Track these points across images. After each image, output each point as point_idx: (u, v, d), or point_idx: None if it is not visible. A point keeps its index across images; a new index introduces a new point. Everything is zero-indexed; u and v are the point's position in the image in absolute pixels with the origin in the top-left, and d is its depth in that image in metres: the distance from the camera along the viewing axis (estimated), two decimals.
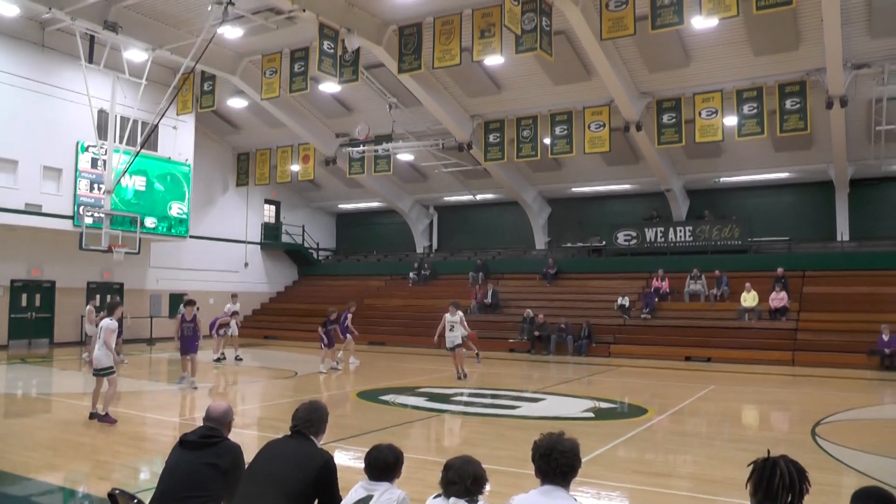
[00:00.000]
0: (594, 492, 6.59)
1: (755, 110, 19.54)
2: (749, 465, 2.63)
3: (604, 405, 12.44)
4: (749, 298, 21.31)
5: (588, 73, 20.81)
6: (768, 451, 2.62)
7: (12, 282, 22.28)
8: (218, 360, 18.20)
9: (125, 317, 17.01)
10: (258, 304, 30.97)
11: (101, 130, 19.65)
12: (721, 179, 26.09)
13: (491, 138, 23.46)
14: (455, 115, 23.56)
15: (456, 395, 13.43)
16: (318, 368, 17.07)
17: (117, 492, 4.14)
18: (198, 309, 14.15)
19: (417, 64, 18.67)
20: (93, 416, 9.87)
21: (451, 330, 15.23)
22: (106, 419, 9.63)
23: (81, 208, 21.01)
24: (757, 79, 19.70)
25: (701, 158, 24.71)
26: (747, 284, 21.49)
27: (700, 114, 20.20)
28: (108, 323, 9.79)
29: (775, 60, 19.14)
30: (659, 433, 10.19)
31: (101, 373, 9.85)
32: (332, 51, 18.26)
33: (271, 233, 32.62)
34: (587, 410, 11.84)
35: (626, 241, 26.55)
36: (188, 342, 13.61)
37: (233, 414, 4.58)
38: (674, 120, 20.73)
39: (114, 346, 9.92)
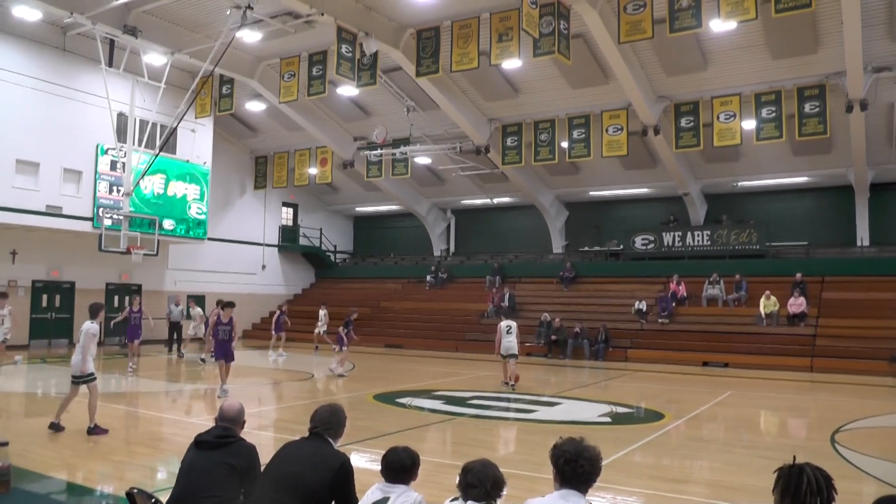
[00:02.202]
0: (610, 497, 6.56)
1: (773, 114, 19.37)
2: (775, 471, 2.60)
3: (620, 410, 12.39)
4: (768, 304, 21.13)
5: (606, 76, 20.75)
6: (794, 458, 2.59)
7: (33, 282, 22.56)
8: (203, 359, 18.32)
9: (147, 318, 17.15)
10: (275, 307, 31.04)
11: (121, 133, 19.84)
12: (739, 184, 25.89)
13: (508, 142, 23.44)
14: (472, 118, 23.58)
15: (473, 398, 13.42)
16: (329, 369, 17.19)
17: (135, 491, 4.16)
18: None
19: (435, 67, 18.69)
20: (54, 426, 9.20)
21: (507, 333, 14.88)
22: (97, 431, 9.15)
23: (101, 210, 21.19)
24: (775, 82, 19.54)
25: (719, 162, 24.55)
26: (767, 292, 21.30)
27: (718, 117, 20.07)
28: (90, 326, 9.24)
29: (794, 64, 18.99)
30: (675, 439, 10.13)
31: (80, 380, 9.25)
32: (350, 54, 18.34)
33: (289, 235, 32.77)
34: (604, 415, 11.79)
35: (643, 245, 26.43)
36: (223, 346, 12.97)
37: (245, 413, 4.61)
38: (691, 124, 20.60)
39: (92, 352, 9.31)
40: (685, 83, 20.67)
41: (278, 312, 22.97)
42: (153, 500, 4.10)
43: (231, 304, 13.30)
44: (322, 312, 23.42)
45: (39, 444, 8.55)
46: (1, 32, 19.72)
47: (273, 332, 22.85)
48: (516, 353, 14.87)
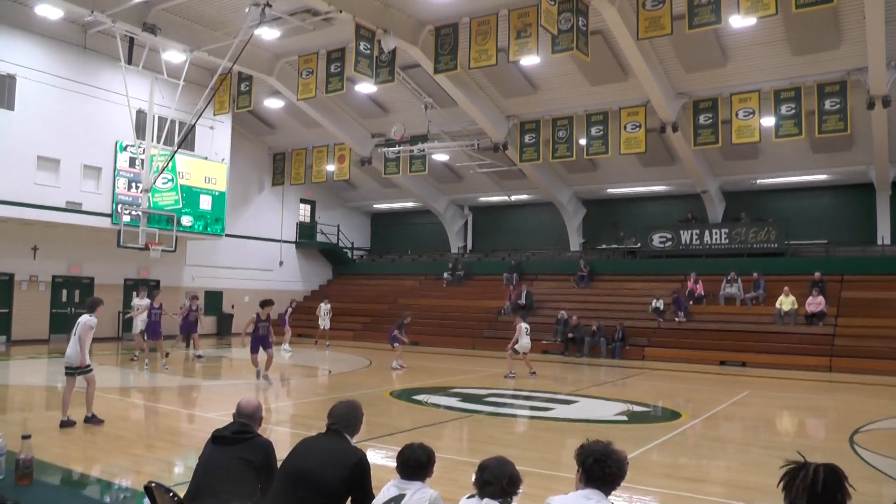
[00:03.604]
0: (627, 496, 6.53)
1: (793, 111, 19.18)
2: (781, 467, 2.57)
3: (637, 408, 12.33)
4: (787, 302, 20.95)
5: (624, 73, 20.64)
6: (803, 457, 2.56)
7: (53, 278, 22.82)
8: (199, 356, 18.37)
9: (165, 312, 17.31)
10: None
11: (140, 130, 20.01)
12: (758, 181, 25.67)
13: (526, 139, 23.40)
14: (491, 115, 23.55)
15: (489, 395, 13.42)
16: (392, 366, 17.52)
17: (153, 485, 4.21)
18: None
19: (453, 64, 18.67)
20: (64, 423, 9.16)
21: (526, 334, 16.57)
22: (93, 420, 9.26)
23: (120, 206, 21.45)
24: (795, 79, 19.35)
25: (737, 160, 24.36)
26: (786, 288, 21.12)
27: (737, 114, 19.92)
28: (88, 319, 9.30)
29: (815, 60, 18.79)
30: (692, 438, 10.08)
31: (77, 371, 9.27)
32: (368, 51, 18.36)
33: (306, 232, 32.92)
34: (620, 413, 11.75)
35: (661, 242, 26.29)
36: (260, 341, 13.87)
37: (262, 410, 4.64)
38: (710, 120, 20.45)
39: (88, 344, 9.34)
40: (704, 80, 20.52)
41: (289, 309, 23.07)
42: (171, 494, 4.13)
43: (270, 302, 14.30)
44: (326, 307, 23.47)
45: (59, 438, 8.65)
46: (24, 31, 19.96)
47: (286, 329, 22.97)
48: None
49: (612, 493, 3.18)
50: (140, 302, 17.96)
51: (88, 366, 9.30)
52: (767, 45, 18.72)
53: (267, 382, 13.71)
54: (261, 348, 13.92)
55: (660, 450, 8.94)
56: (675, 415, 11.86)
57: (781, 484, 2.53)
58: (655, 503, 6.64)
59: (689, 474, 7.89)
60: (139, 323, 17.58)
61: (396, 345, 17.92)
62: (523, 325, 16.64)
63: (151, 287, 24.54)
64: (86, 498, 6.49)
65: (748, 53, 19.21)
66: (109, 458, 8.06)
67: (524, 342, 16.48)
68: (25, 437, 6.14)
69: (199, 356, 18.12)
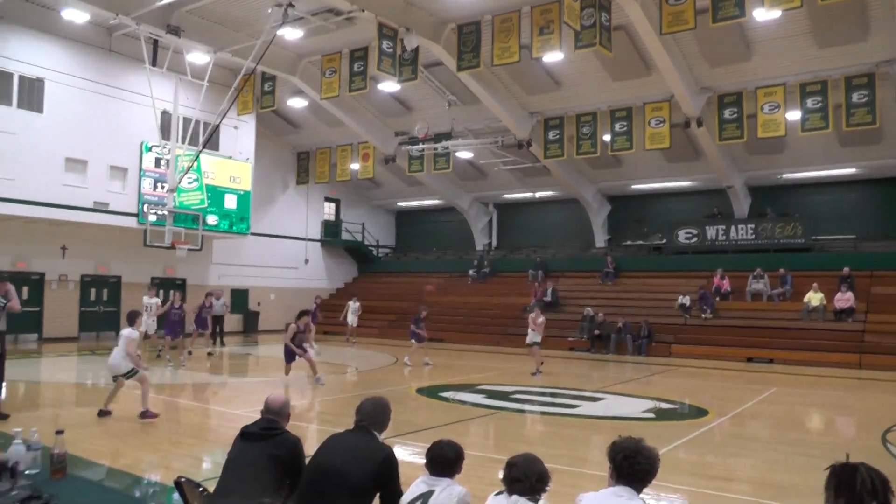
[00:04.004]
0: (654, 493, 6.49)
1: (819, 104, 18.89)
2: (826, 468, 2.54)
3: (664, 406, 12.25)
4: (815, 298, 20.67)
5: (648, 68, 20.49)
6: (847, 456, 2.53)
7: (82, 277, 23.18)
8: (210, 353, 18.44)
9: (188, 313, 17.46)
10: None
11: (165, 131, 20.23)
12: (783, 176, 25.34)
13: (550, 135, 23.31)
14: (514, 112, 23.50)
15: (515, 392, 13.40)
16: (424, 362, 17.75)
17: (183, 480, 4.25)
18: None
19: (476, 62, 18.63)
20: (102, 412, 9.82)
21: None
22: (147, 415, 9.66)
23: (145, 206, 21.70)
24: (821, 72, 19.06)
25: (763, 154, 24.06)
26: (814, 284, 20.83)
27: (762, 108, 19.66)
28: (130, 333, 9.78)
29: (841, 52, 18.49)
30: (719, 436, 10.00)
31: (124, 377, 9.82)
32: (391, 50, 18.39)
33: (331, 230, 33.12)
34: (647, 411, 11.67)
35: (686, 239, 26.06)
36: (292, 356, 14.01)
37: (290, 406, 4.68)
38: (735, 115, 20.21)
39: (134, 354, 9.81)
40: (728, 74, 20.30)
41: (315, 306, 23.12)
42: (200, 489, 4.16)
43: (306, 313, 15.07)
44: (355, 305, 23.58)
45: (90, 433, 8.79)
46: (51, 35, 20.29)
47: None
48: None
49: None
50: (150, 300, 18.04)
51: (131, 369, 9.75)
52: (792, 39, 18.46)
53: (319, 383, 13.78)
54: (296, 357, 14.00)
55: (687, 448, 8.87)
56: (701, 412, 11.75)
57: (831, 484, 2.50)
58: (683, 501, 6.60)
59: (717, 472, 7.82)
60: (150, 322, 17.53)
61: (413, 341, 18.03)
62: (543, 318, 16.70)
63: (177, 285, 24.94)
64: (117, 492, 6.59)
65: (773, 47, 18.96)
66: (138, 454, 8.17)
67: (531, 334, 16.32)
68: (59, 433, 6.26)
69: (189, 353, 17.81)
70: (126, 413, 10.02)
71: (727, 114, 20.36)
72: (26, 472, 3.87)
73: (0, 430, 8.18)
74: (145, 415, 9.63)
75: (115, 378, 9.89)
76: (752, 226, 24.95)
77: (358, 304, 23.98)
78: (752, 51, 19.27)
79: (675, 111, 21.09)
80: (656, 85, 20.84)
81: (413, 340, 18.19)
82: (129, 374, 9.75)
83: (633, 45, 19.59)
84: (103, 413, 9.78)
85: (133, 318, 10.08)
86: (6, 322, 9.63)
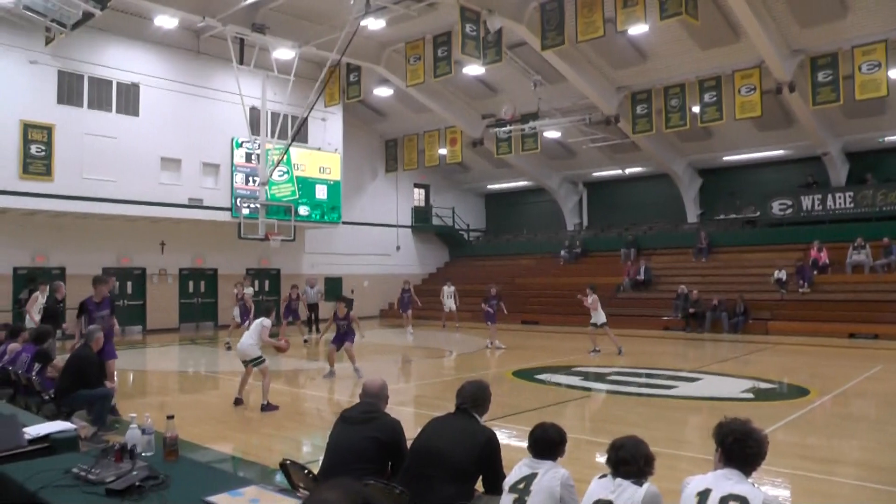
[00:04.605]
0: (755, 476, 6.33)
1: None
2: None
3: (763, 385, 11.89)
4: None
5: (736, 34, 19.69)
6: None
7: (180, 270, 24.30)
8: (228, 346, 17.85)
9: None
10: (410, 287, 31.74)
11: (254, 126, 20.88)
12: (885, 139, 23.89)
13: (638, 110, 22.73)
14: (601, 88, 23.11)
15: (611, 374, 13.27)
16: (486, 345, 17.78)
17: (288, 462, 4.42)
18: None
19: (560, 39, 18.32)
20: (238, 402, 10.24)
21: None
22: (269, 408, 9.90)
23: (238, 200, 22.50)
24: None
25: (862, 117, 22.75)
26: None
27: (860, 68, 18.53)
28: (263, 321, 10.20)
29: None
30: (822, 416, 9.64)
31: (252, 363, 10.14)
32: (474, 33, 18.32)
33: (421, 216, 33.47)
34: (746, 391, 11.33)
35: (780, 210, 25.01)
36: (341, 338, 13.06)
37: (388, 389, 4.77)
38: (830, 77, 19.16)
39: (263, 341, 10.12)
40: (822, 34, 19.25)
41: (402, 292, 23.52)
42: (306, 472, 4.31)
43: (343, 299, 13.65)
44: (450, 290, 23.75)
45: (196, 419, 9.28)
46: (144, 42, 21.24)
47: (401, 312, 23.53)
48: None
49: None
50: (248, 290, 18.69)
51: (259, 357, 10.13)
52: None
53: (357, 375, 12.74)
54: (343, 344, 13.01)
55: (788, 429, 8.59)
56: (802, 391, 11.34)
57: None
58: (787, 485, 6.39)
59: (822, 455, 7.55)
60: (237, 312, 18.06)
61: (490, 322, 17.85)
62: (595, 296, 16.37)
63: (272, 276, 25.82)
64: (226, 473, 6.92)
65: (870, 1, 17.85)
66: (242, 437, 8.61)
67: (599, 315, 16.14)
68: (170, 418, 6.63)
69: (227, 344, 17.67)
70: (228, 398, 10.50)
71: (821, 76, 19.33)
72: (143, 454, 4.15)
73: (117, 416, 8.73)
74: (266, 407, 9.92)
75: (245, 363, 10.30)
76: (851, 194, 23.69)
77: (453, 288, 24.00)
78: (847, 7, 18.21)
79: (766, 77, 20.20)
80: (745, 51, 20.02)
81: (488, 322, 17.93)
82: (257, 362, 10.12)
83: (720, 11, 18.86)
84: (238, 402, 10.23)
85: (268, 310, 10.57)
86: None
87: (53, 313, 12.50)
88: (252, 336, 10.15)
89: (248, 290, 18.93)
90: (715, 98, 20.90)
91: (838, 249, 22.03)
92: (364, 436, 4.35)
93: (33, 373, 8.16)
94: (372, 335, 18.83)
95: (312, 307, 21.30)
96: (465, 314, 24.70)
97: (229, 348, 16.97)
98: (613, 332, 16.29)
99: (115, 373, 10.15)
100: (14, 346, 9.07)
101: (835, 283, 21.31)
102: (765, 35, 18.55)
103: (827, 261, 22.00)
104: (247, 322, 16.45)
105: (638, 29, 18.15)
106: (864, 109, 21.83)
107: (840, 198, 23.81)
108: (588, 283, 17.27)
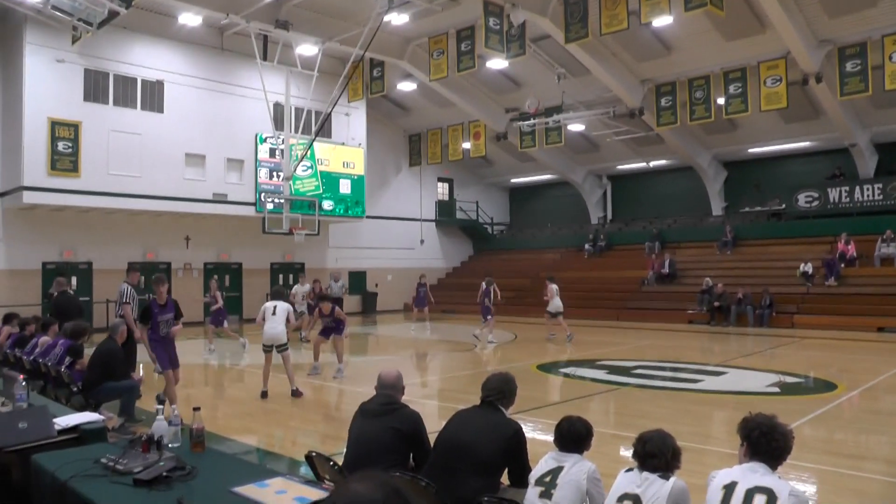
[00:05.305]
0: (782, 471, 6.28)
1: None
2: None
3: (789, 380, 11.78)
4: None
5: (761, 24, 19.43)
6: None
7: (205, 265, 24.55)
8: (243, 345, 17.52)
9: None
10: (435, 280, 31.56)
11: (278, 122, 21.00)
12: None
13: (662, 102, 22.55)
14: (625, 81, 22.96)
15: (636, 367, 13.21)
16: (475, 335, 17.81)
17: (314, 454, 4.45)
18: None
19: (584, 32, 18.20)
20: (264, 395, 10.32)
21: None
22: (297, 394, 10.27)
23: (263, 195, 22.64)
24: None
25: (891, 108, 22.34)
26: None
27: (890, 58, 18.19)
28: (287, 306, 10.60)
29: None
30: (850, 411, 9.54)
31: (278, 349, 10.37)
32: (497, 27, 18.27)
33: (445, 210, 33.51)
34: (772, 385, 11.25)
35: (807, 203, 24.70)
36: (328, 332, 12.72)
37: (403, 380, 4.77)
38: (858, 67, 18.87)
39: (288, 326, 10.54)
40: (850, 23, 18.93)
41: (417, 286, 22.58)
42: (331, 464, 4.33)
43: (327, 298, 12.97)
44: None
45: (221, 411, 9.40)
46: (168, 39, 21.45)
47: (414, 307, 23.28)
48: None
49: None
50: (301, 289, 18.83)
51: (284, 344, 10.37)
52: None
53: (339, 375, 12.44)
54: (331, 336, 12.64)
55: (815, 424, 8.51)
56: (830, 386, 11.20)
57: None
58: (815, 480, 6.33)
59: (849, 450, 7.46)
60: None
61: (489, 317, 17.67)
62: (554, 287, 17.76)
63: (297, 270, 25.97)
64: (252, 465, 7.00)
65: None
66: (268, 429, 8.70)
67: (556, 303, 17.43)
68: (196, 410, 6.71)
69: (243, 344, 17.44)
70: (254, 391, 10.61)
71: (849, 66, 19.04)
72: (169, 445, 4.21)
73: (144, 407, 8.85)
74: (296, 393, 10.23)
75: (266, 350, 10.42)
76: (880, 185, 23.31)
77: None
78: None
79: (792, 68, 19.93)
80: (771, 42, 19.74)
81: (489, 317, 17.72)
82: (283, 348, 10.33)
83: (746, 2, 18.61)
84: (264, 395, 10.35)
85: (286, 296, 10.94)
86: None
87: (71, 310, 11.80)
88: (281, 322, 10.32)
89: (306, 288, 19.01)
90: (740, 90, 20.66)
91: (867, 242, 21.71)
92: (385, 427, 4.36)
93: (64, 366, 8.31)
94: (397, 329, 18.92)
95: (337, 301, 21.34)
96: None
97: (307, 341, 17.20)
98: (642, 325, 16.12)
99: (175, 379, 9.64)
100: (45, 339, 9.26)
101: (863, 277, 21.00)
102: (791, 25, 18.30)
103: (854, 253, 21.69)
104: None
105: (662, 21, 17.97)
106: (894, 100, 21.45)
107: (868, 190, 23.46)
108: (547, 275, 18.57)
